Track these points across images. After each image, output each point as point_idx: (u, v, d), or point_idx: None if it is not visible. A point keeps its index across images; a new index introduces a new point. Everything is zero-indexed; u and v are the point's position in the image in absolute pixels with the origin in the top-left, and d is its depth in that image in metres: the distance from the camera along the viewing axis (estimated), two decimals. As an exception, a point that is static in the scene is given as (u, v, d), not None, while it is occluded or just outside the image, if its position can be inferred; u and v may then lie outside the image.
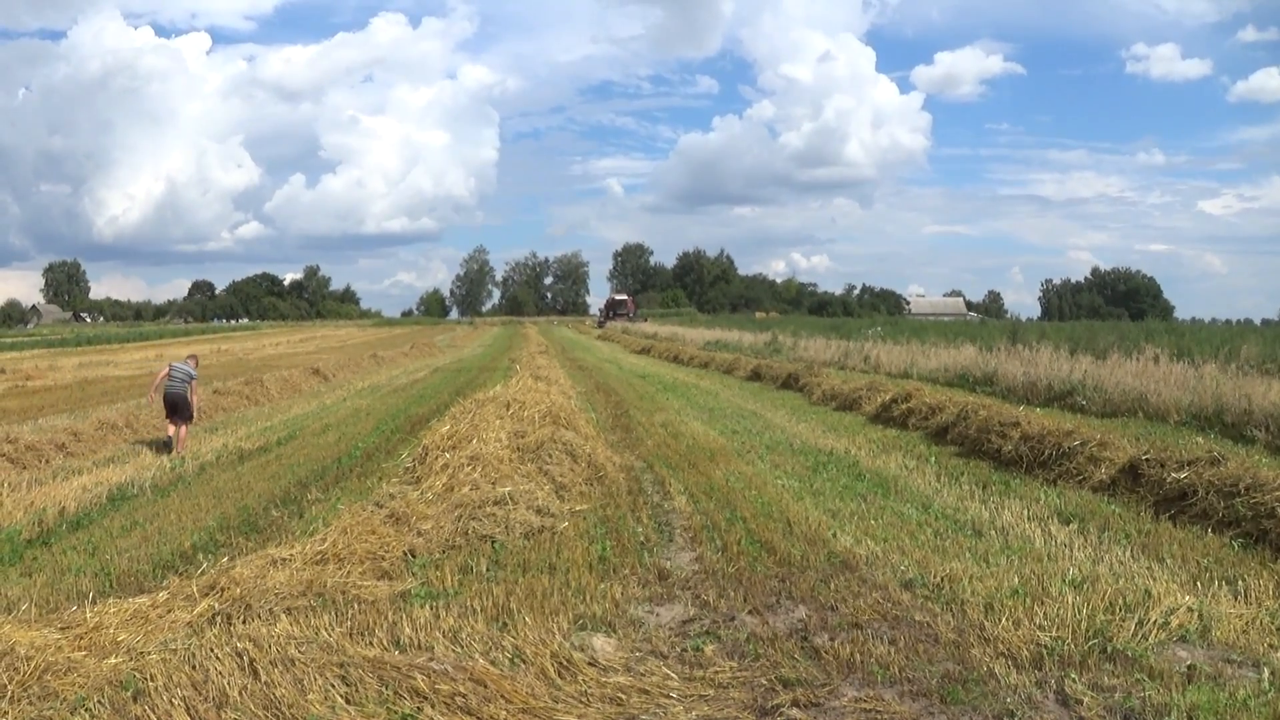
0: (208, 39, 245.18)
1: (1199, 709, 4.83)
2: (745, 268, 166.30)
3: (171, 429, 14.88)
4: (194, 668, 5.17)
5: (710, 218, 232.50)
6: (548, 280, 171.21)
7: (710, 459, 12.91)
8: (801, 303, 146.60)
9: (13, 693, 4.93)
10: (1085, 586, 6.67)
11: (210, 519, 9.95)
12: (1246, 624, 6.02)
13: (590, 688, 5.25)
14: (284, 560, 7.22)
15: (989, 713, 4.94)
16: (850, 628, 6.16)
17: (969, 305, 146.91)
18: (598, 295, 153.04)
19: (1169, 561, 7.48)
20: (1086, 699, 4.99)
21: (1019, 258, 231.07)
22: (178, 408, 14.84)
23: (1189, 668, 5.36)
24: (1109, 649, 5.63)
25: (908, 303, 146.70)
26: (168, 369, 15.37)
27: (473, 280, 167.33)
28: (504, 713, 4.91)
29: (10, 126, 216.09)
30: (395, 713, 4.86)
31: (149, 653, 5.43)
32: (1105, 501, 9.78)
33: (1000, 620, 6.11)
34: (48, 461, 13.64)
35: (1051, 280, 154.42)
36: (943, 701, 5.06)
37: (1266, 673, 5.27)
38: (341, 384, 27.40)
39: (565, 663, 5.52)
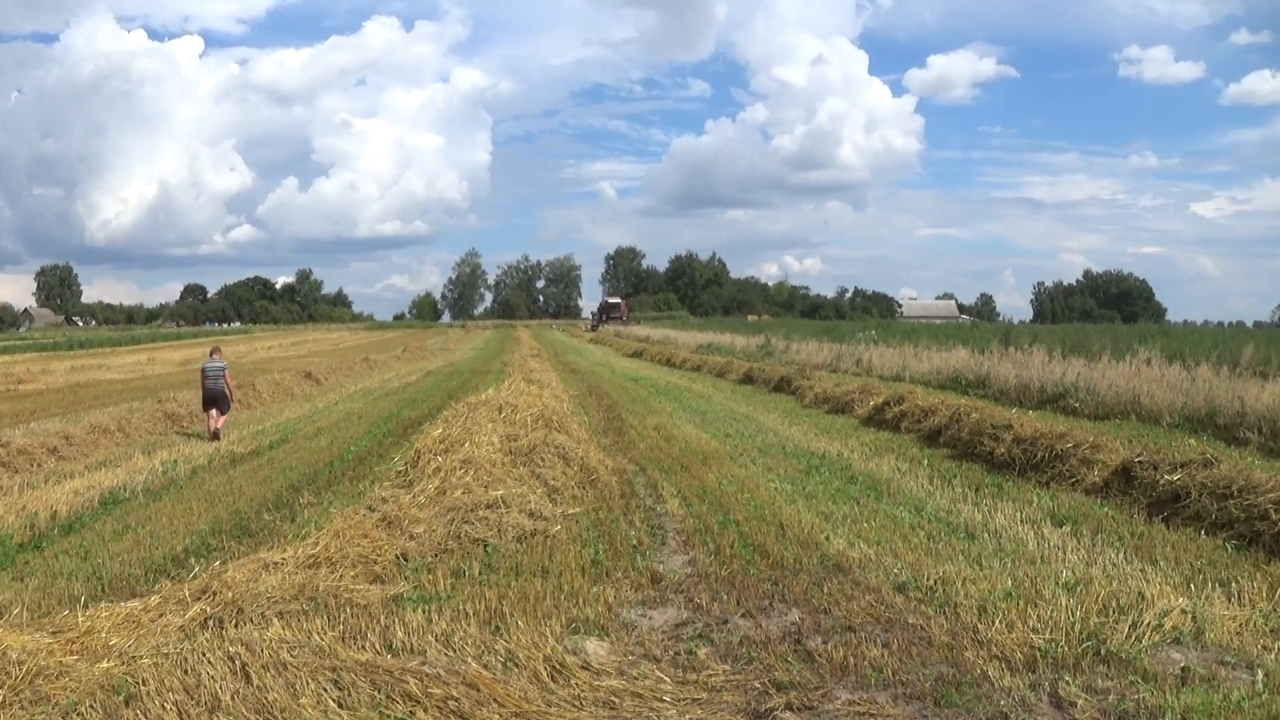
0: (200, 42, 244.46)
1: (1193, 711, 4.83)
2: (738, 271, 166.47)
3: (211, 421, 16.48)
4: (186, 672, 5.15)
5: (703, 221, 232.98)
6: (540, 284, 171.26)
7: (703, 462, 12.91)
8: (794, 306, 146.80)
9: (4, 697, 4.91)
10: (1079, 589, 6.67)
11: (202, 523, 9.92)
12: (1240, 626, 6.03)
13: (583, 691, 5.24)
14: (276, 564, 7.21)
15: (983, 715, 4.94)
16: (843, 630, 6.15)
17: (961, 308, 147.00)
18: (590, 299, 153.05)
19: (1162, 564, 7.49)
20: (1080, 701, 5.00)
21: (1011, 260, 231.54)
22: (216, 401, 16.60)
23: (1183, 670, 5.37)
24: (1103, 651, 5.63)
25: (900, 305, 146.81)
26: (202, 371, 16.96)
27: (465, 284, 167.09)
28: (496, 717, 4.90)
29: (3, 129, 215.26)
30: (388, 717, 4.85)
31: (141, 657, 5.42)
32: (1098, 504, 9.79)
33: (994, 623, 6.11)
34: (39, 465, 13.60)
35: (1044, 283, 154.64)
36: (936, 704, 5.06)
37: (1260, 674, 5.28)
38: (334, 387, 27.35)
39: (558, 666, 5.51)
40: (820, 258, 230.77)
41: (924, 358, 26.52)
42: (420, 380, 30.35)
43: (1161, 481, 9.48)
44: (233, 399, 17.42)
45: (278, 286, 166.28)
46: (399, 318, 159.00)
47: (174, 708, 4.83)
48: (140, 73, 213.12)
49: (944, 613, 6.40)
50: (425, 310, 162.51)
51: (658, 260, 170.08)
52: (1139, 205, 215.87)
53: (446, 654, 5.65)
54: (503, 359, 39.51)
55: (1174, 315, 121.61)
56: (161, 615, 6.23)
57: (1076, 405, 17.31)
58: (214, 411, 16.56)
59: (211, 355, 17.27)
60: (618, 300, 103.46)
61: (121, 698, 4.90)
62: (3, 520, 10.01)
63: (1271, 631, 5.97)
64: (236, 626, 6.01)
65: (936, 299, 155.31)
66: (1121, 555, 7.76)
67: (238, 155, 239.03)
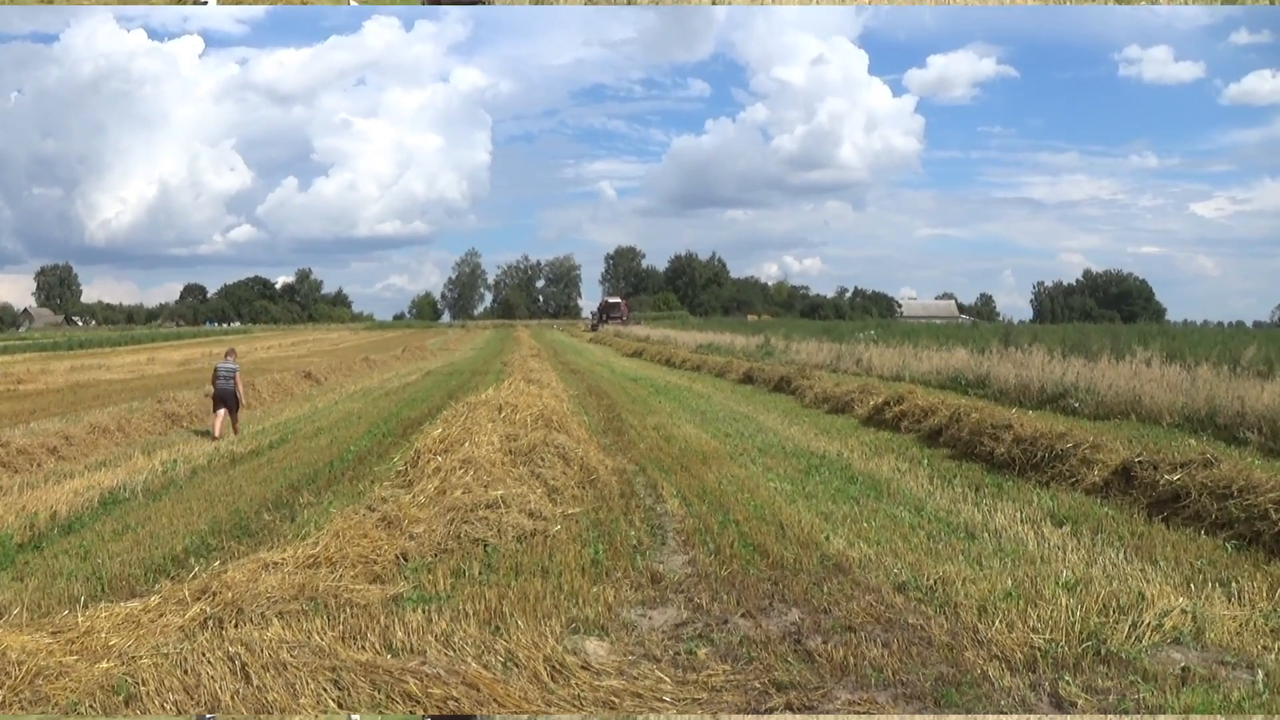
0: (200, 42, 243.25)
1: (1193, 711, 4.84)
2: (737, 271, 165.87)
3: (217, 420, 16.82)
4: (186, 672, 5.15)
5: (702, 221, 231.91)
6: (540, 284, 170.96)
7: (703, 462, 12.91)
8: (793, 306, 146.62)
9: (4, 697, 4.91)
10: (1079, 589, 6.68)
11: (202, 523, 9.91)
12: (1240, 626, 6.03)
13: (583, 691, 5.24)
14: (276, 564, 7.20)
15: (983, 715, 4.94)
16: (843, 630, 6.16)
17: (961, 308, 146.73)
18: (590, 299, 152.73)
19: (1162, 564, 7.49)
20: (1080, 701, 5.00)
21: (1011, 260, 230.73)
22: (226, 401, 17.05)
23: (1183, 670, 5.37)
24: (1103, 651, 5.64)
25: (900, 305, 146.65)
26: (215, 371, 17.43)
27: (465, 284, 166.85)
28: (497, 717, 4.90)
29: (2, 130, 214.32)
30: (388, 717, 4.84)
31: (141, 657, 5.41)
32: (1098, 504, 9.79)
33: (994, 623, 6.11)
34: (39, 465, 13.59)
35: (1044, 283, 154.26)
36: (936, 704, 5.06)
37: (1260, 674, 5.28)
38: (333, 387, 27.33)
39: (558, 666, 5.51)
40: (820, 258, 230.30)
41: (924, 358, 26.50)
42: (420, 380, 30.34)
43: (1161, 481, 9.48)
44: (242, 401, 17.91)
45: (277, 286, 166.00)
46: (399, 318, 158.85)
47: (174, 708, 4.83)
48: (140, 73, 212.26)
49: (944, 613, 6.40)
50: (425, 310, 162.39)
51: (657, 260, 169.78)
52: (1139, 205, 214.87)
53: (446, 654, 5.65)
54: (502, 359, 39.50)
55: (1174, 315, 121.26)
56: (161, 615, 6.22)
57: (1076, 405, 17.30)
58: (222, 412, 16.88)
59: (226, 357, 17.89)
60: (618, 300, 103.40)
61: (121, 698, 4.90)
62: (3, 520, 10.00)
63: (1272, 631, 5.97)
64: (236, 626, 6.00)
65: (936, 299, 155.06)
66: (1121, 555, 7.76)
67: (237, 155, 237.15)
